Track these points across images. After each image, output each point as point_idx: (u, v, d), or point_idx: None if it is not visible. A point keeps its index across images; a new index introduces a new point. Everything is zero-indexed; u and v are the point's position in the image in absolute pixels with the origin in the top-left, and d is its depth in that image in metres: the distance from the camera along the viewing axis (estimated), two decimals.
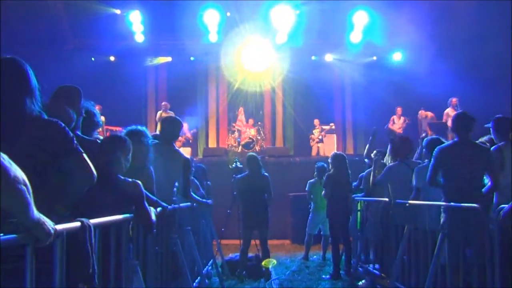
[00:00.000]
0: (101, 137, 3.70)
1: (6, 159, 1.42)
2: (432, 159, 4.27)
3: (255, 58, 14.31)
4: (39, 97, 2.19)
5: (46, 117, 2.16)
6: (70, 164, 2.15)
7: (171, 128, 4.81)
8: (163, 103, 13.15)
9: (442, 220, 4.21)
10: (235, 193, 6.81)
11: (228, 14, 13.15)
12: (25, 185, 1.48)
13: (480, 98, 10.63)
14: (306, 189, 8.03)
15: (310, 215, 8.05)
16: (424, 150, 5.14)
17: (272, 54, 14.21)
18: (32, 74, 2.16)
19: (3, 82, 2.02)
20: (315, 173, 7.99)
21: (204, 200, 5.97)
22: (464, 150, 4.18)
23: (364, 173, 6.80)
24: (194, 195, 5.25)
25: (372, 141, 6.67)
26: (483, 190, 4.10)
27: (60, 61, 11.85)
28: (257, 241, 6.73)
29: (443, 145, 4.31)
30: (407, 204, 4.88)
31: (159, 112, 13.07)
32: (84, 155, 2.21)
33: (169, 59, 14.48)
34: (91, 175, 2.22)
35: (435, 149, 4.27)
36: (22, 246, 1.60)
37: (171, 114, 12.99)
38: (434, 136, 5.37)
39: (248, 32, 13.19)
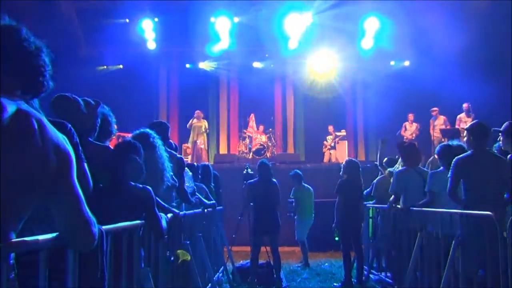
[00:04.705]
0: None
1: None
2: (451, 170, 4.26)
3: (267, 64, 14.40)
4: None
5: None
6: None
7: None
8: (196, 111, 13.08)
9: (456, 228, 4.17)
10: (246, 199, 6.79)
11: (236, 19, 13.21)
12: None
13: (494, 103, 10.52)
14: (291, 195, 8.19)
15: (295, 222, 8.16)
16: (437, 158, 5.10)
17: (284, 61, 14.25)
18: None
19: None
20: (292, 180, 8.19)
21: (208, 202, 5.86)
22: (482, 160, 4.19)
23: (376, 181, 6.75)
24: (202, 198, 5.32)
25: (382, 148, 6.66)
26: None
27: (73, 68, 11.96)
28: (268, 248, 6.70)
29: (460, 156, 4.29)
30: (420, 208, 4.85)
31: (194, 121, 12.92)
32: (85, 164, 2.16)
33: None
34: (87, 185, 2.16)
35: (453, 160, 4.26)
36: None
37: (204, 122, 13.07)
38: (444, 143, 5.33)
39: (260, 39, 13.22)
